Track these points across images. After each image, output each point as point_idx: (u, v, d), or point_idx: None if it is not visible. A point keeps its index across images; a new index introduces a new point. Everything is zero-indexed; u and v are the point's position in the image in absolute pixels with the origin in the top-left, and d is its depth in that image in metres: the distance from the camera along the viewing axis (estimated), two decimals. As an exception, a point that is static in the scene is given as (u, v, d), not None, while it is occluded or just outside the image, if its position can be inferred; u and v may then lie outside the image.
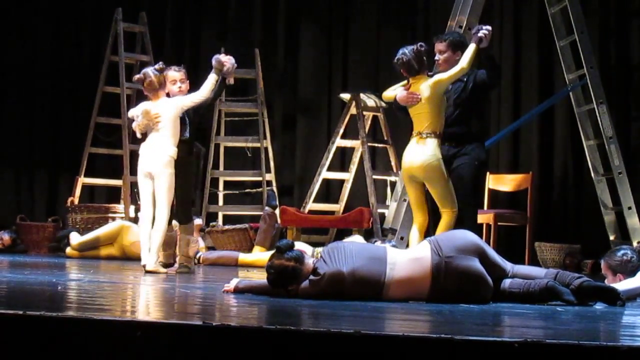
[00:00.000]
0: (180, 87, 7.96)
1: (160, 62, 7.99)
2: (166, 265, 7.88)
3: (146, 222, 7.67)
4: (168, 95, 7.91)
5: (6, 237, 10.61)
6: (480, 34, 7.34)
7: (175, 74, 7.99)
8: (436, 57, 7.60)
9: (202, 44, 12.17)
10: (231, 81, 8.12)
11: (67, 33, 12.12)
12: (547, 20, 9.84)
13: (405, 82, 7.44)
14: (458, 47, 7.51)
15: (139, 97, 12.01)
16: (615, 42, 10.70)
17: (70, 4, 12.27)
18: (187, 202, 7.94)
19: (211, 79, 7.90)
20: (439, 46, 7.60)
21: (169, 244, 7.93)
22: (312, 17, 11.99)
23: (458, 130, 7.45)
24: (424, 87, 7.30)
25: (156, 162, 7.68)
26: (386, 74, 11.52)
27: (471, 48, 7.32)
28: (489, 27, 7.40)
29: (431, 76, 7.40)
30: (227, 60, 7.94)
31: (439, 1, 11.05)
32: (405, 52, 7.38)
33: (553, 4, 9.73)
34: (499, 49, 11.18)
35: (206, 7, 12.26)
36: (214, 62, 7.95)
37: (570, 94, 9.82)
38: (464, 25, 8.92)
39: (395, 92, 7.54)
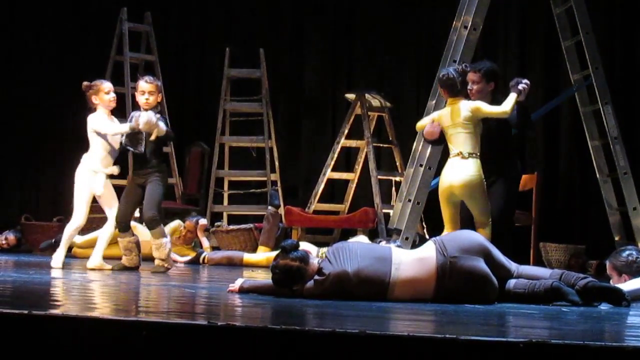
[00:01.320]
0: (147, 99, 7.82)
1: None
2: (129, 268, 7.91)
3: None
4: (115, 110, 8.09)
5: (11, 236, 10.61)
6: (520, 87, 7.42)
7: (144, 85, 7.87)
8: (469, 87, 7.61)
9: (207, 44, 12.17)
10: (152, 137, 7.82)
11: (72, 33, 12.12)
12: (553, 20, 9.83)
13: (435, 117, 7.43)
14: (492, 77, 7.59)
15: (144, 97, 12.05)
16: (621, 43, 10.69)
17: (75, 4, 12.28)
18: (151, 211, 7.83)
19: (126, 127, 7.82)
20: (473, 77, 7.63)
21: (129, 249, 7.96)
22: (318, 17, 12.00)
23: (487, 161, 7.41)
24: (464, 107, 7.29)
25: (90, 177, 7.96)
26: (391, 74, 11.54)
27: (513, 97, 7.35)
28: (528, 82, 7.51)
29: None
30: (144, 122, 7.71)
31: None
32: (451, 70, 7.41)
33: (558, 4, 9.72)
34: (504, 49, 11.18)
35: (211, 7, 12.27)
36: (134, 122, 7.78)
37: (576, 94, 9.81)
38: (469, 25, 8.91)
39: (425, 123, 7.58)
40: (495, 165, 7.45)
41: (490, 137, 7.47)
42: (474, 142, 7.26)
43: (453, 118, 7.31)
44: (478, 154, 7.23)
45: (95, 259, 7.95)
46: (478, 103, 7.32)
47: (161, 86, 8.04)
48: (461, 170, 7.18)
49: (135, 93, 8.03)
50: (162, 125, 7.75)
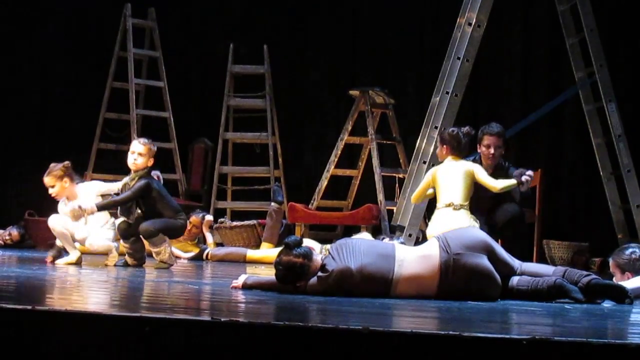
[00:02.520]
0: (135, 159, 7.77)
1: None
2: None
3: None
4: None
5: (15, 232, 10.62)
6: (523, 178, 7.59)
7: (136, 146, 7.83)
8: (491, 151, 8.02)
9: (210, 41, 12.17)
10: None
11: (76, 29, 12.12)
12: (557, 17, 9.82)
13: (430, 179, 7.64)
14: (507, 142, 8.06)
15: (147, 93, 12.06)
16: (625, 40, 10.68)
17: (79, 0, 12.28)
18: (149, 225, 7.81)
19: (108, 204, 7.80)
20: (496, 141, 8.03)
21: (134, 250, 7.93)
22: (321, 13, 11.99)
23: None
24: (463, 166, 7.49)
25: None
26: (395, 70, 11.53)
27: (512, 182, 7.54)
28: (532, 174, 7.69)
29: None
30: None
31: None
32: (456, 130, 7.62)
33: (562, 2, 9.71)
34: (508, 46, 11.16)
35: (215, 3, 12.26)
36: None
37: (579, 91, 9.80)
38: (473, 22, 8.91)
39: (420, 192, 7.80)
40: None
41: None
42: (466, 194, 7.40)
43: (450, 173, 7.45)
44: (468, 205, 7.38)
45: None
46: (476, 168, 7.52)
47: (154, 150, 7.91)
48: (453, 220, 7.21)
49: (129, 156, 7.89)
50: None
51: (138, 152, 7.78)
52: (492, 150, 8.06)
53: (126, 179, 7.86)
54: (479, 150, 8.19)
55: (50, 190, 7.94)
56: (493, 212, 8.02)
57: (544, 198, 9.60)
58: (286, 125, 11.75)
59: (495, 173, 8.00)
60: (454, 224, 7.15)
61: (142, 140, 7.90)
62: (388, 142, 10.73)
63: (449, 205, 7.34)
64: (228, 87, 11.57)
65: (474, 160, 7.92)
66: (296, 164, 11.72)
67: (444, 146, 7.63)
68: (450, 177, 7.46)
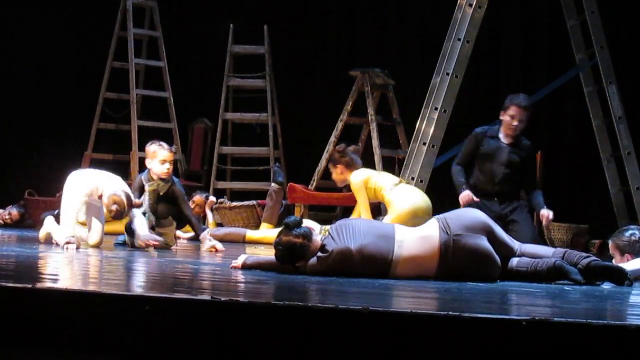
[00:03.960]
0: (168, 169, 7.70)
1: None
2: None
3: None
4: None
5: (14, 212, 10.62)
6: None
7: (166, 154, 7.71)
8: (514, 122, 8.18)
9: (211, 21, 12.14)
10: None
11: (76, 8, 12.08)
12: (558, -1, 9.81)
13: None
14: None
15: (147, 73, 12.04)
16: (626, 22, 10.65)
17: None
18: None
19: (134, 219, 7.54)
20: (522, 114, 8.19)
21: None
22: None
23: (507, 189, 8.20)
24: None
25: None
26: (396, 51, 11.51)
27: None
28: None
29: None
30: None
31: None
32: (343, 146, 8.61)
33: (563, -17, 9.70)
34: (509, 27, 11.13)
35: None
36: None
37: (580, 73, 9.79)
38: (474, 3, 8.89)
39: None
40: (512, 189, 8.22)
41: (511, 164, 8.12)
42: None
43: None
44: None
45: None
46: (352, 186, 8.49)
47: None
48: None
49: (149, 159, 7.77)
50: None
51: (169, 160, 7.73)
52: (515, 122, 8.14)
53: (152, 185, 7.77)
54: (501, 118, 8.26)
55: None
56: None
57: (544, 179, 9.61)
58: (286, 105, 11.73)
59: (512, 146, 8.04)
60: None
61: (168, 147, 7.81)
62: (388, 123, 10.71)
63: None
64: (228, 67, 11.56)
65: (493, 129, 8.23)
66: (296, 145, 11.70)
67: (338, 166, 8.43)
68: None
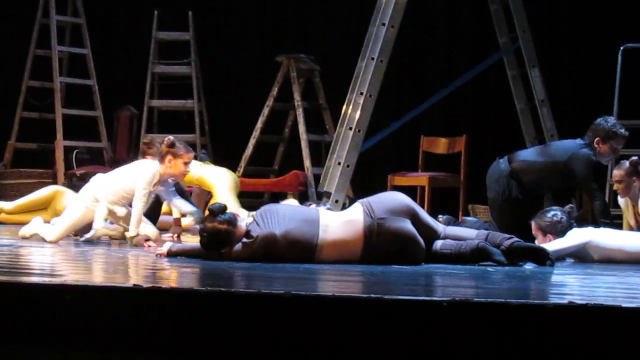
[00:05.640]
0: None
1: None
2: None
3: None
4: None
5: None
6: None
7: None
8: (617, 155, 7.75)
9: (134, 7, 12.03)
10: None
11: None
12: (480, -17, 9.88)
13: None
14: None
15: (71, 61, 11.89)
16: (549, 5, 10.77)
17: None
18: None
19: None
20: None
21: None
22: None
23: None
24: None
25: None
26: (321, 36, 11.51)
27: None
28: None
29: None
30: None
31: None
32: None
33: (486, -33, 9.77)
34: (434, 12, 11.19)
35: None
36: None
37: (504, 57, 9.88)
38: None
39: None
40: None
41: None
42: None
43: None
44: None
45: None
46: None
47: None
48: None
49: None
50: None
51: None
52: (617, 155, 7.77)
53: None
54: (602, 144, 7.61)
55: (189, 169, 7.24)
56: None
57: (469, 163, 9.69)
58: (212, 92, 11.68)
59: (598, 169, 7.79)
60: None
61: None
62: (314, 109, 10.72)
63: None
64: (153, 54, 11.45)
65: (586, 149, 7.60)
66: (222, 131, 11.66)
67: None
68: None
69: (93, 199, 7.07)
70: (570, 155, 7.57)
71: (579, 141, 7.68)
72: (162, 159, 7.02)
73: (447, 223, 6.92)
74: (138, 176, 6.99)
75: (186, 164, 7.09)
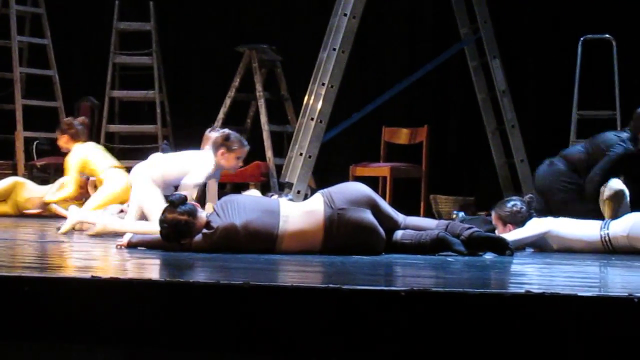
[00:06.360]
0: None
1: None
2: None
3: None
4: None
5: None
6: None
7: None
8: None
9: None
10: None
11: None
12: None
13: None
14: None
15: (31, 51, 11.81)
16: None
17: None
18: None
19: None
20: None
21: None
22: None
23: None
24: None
25: None
26: (283, 27, 11.49)
27: None
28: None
29: None
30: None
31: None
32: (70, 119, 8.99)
33: (446, -43, 9.79)
34: (396, 2, 11.20)
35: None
36: None
37: (465, 48, 9.91)
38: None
39: None
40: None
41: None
42: None
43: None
44: None
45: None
46: None
47: None
48: None
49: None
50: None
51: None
52: None
53: None
54: None
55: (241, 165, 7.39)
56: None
57: (431, 153, 9.72)
58: (174, 82, 11.64)
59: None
60: None
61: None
62: (276, 99, 10.71)
63: None
64: (114, 44, 11.40)
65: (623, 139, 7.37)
66: (184, 122, 11.62)
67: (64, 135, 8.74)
68: None
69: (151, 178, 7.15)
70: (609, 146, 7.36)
71: (623, 134, 7.47)
72: (215, 150, 7.04)
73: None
74: (195, 167, 6.96)
75: (238, 158, 7.12)
